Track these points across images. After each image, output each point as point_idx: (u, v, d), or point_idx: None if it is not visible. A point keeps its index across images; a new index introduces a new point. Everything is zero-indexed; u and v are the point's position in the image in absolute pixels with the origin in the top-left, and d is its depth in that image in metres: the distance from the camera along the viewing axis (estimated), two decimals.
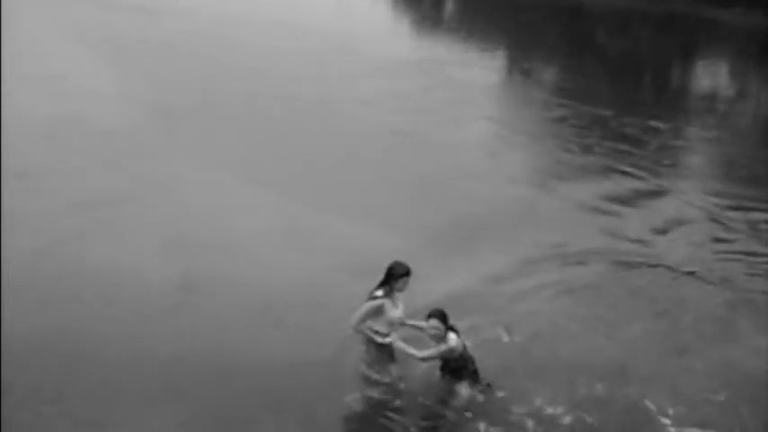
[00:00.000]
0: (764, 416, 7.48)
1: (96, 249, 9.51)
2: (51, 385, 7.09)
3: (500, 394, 7.25)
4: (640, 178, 13.64)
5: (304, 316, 7.49)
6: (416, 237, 10.30)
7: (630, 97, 20.10)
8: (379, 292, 7.03)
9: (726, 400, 7.60)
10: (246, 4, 25.77)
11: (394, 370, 7.26)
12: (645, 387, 7.65)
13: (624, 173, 13.80)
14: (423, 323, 7.11)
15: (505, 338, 8.29)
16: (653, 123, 17.03)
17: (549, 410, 7.21)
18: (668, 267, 10.24)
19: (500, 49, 24.93)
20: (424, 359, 7.12)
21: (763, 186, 13.61)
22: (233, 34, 21.93)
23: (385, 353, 7.22)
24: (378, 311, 7.04)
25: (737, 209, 12.48)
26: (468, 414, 7.02)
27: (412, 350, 7.08)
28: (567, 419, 7.15)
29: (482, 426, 6.93)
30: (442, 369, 7.25)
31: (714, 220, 12.05)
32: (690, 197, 12.94)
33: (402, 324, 7.21)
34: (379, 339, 7.08)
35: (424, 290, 7.87)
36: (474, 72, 20.92)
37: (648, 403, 7.44)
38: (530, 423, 7.02)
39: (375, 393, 7.16)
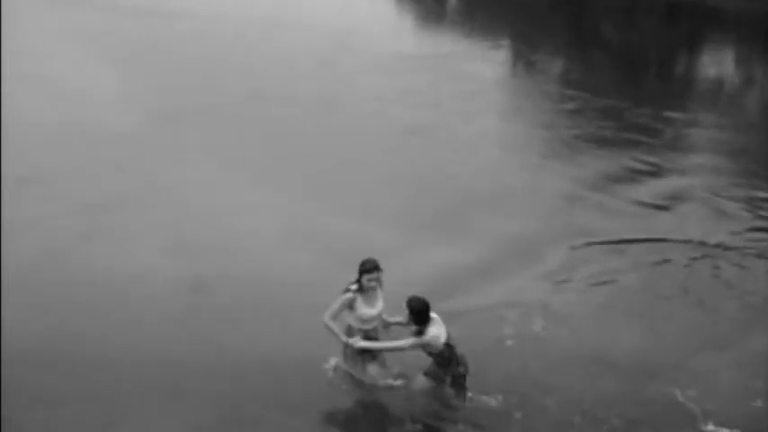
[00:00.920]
0: None
1: (100, 252, 9.58)
2: (57, 388, 7.13)
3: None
4: (662, 169, 13.54)
5: (305, 316, 7.43)
6: (416, 237, 10.21)
7: (641, 88, 19.85)
8: (353, 287, 7.00)
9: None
10: (246, 5, 25.59)
11: (373, 369, 7.16)
12: (681, 382, 7.50)
13: (645, 163, 13.67)
14: (401, 318, 7.04)
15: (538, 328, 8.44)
16: (666, 114, 16.83)
17: (586, 406, 7.19)
18: (700, 254, 10.18)
19: (505, 42, 24.68)
20: (395, 349, 6.98)
21: None
22: (234, 34, 21.79)
23: (366, 351, 7.10)
24: (349, 306, 7.01)
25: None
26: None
27: (382, 344, 7.02)
28: (601, 414, 7.08)
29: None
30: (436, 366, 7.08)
31: (748, 210, 11.86)
32: (714, 187, 12.69)
33: (387, 325, 7.20)
34: (343, 339, 7.04)
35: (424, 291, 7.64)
36: (480, 66, 20.73)
37: (685, 400, 7.27)
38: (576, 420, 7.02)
39: (358, 390, 7.17)
